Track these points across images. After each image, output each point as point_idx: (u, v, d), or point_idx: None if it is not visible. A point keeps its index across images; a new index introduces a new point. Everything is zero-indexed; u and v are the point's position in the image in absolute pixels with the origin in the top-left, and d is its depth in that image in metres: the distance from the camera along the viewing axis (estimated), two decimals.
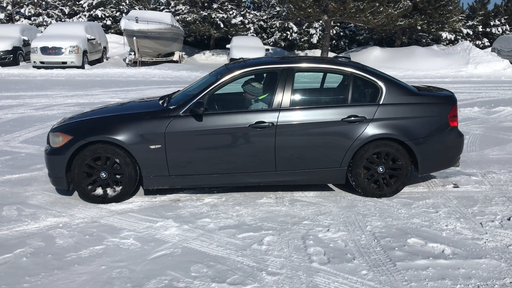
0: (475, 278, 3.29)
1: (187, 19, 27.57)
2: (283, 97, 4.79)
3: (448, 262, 3.51)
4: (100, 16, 30.02)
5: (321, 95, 5.57)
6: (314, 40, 29.02)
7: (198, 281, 3.25)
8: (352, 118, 4.79)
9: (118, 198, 4.71)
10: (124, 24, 19.99)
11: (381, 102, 4.89)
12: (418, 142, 4.87)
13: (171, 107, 4.74)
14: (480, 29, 32.72)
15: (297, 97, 4.95)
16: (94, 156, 4.59)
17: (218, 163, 4.72)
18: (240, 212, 4.50)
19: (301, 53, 28.92)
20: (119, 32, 26.00)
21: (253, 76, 5.10)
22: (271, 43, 29.59)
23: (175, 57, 23.55)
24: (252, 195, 4.96)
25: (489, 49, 28.00)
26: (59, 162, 4.58)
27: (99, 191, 4.69)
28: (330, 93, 5.49)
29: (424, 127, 4.91)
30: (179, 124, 4.61)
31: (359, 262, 3.51)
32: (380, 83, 4.96)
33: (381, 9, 19.00)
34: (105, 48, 23.35)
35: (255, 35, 28.88)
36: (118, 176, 4.66)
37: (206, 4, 28.43)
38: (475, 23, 32.56)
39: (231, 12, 28.31)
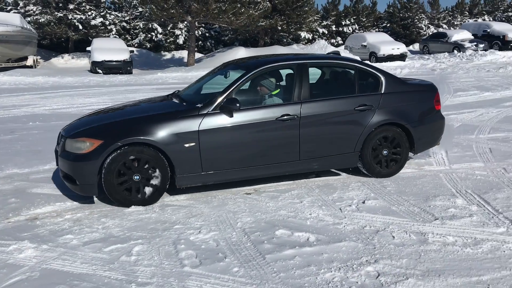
0: (337, 261, 3.52)
1: (40, 20, 25.53)
2: (302, 90, 5.13)
3: (313, 249, 3.71)
4: None
5: (334, 87, 5.79)
6: (180, 41, 28.90)
7: None
8: (363, 107, 5.27)
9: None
10: None
11: (382, 92, 5.46)
12: (415, 125, 5.49)
13: (199, 105, 4.82)
14: (334, 29, 35.52)
15: (314, 89, 5.38)
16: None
17: (248, 156, 4.92)
18: (107, 224, 4.26)
19: (168, 55, 28.57)
20: None
21: (265, 73, 5.29)
22: (136, 45, 28.76)
23: (29, 61, 21.65)
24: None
25: (343, 47, 30.50)
26: (91, 168, 4.45)
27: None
28: (341, 84, 5.78)
29: (417, 112, 5.57)
30: (211, 121, 4.74)
31: (231, 260, 3.54)
32: (380, 75, 5.55)
33: (242, 10, 19.57)
34: None
35: (118, 36, 27.79)
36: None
37: (61, 5, 26.56)
38: (328, 23, 35.26)
39: (89, 13, 26.87)
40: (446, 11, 41.78)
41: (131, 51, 22.26)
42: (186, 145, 4.63)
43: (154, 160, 4.59)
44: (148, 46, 29.18)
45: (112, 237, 3.98)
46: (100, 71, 20.39)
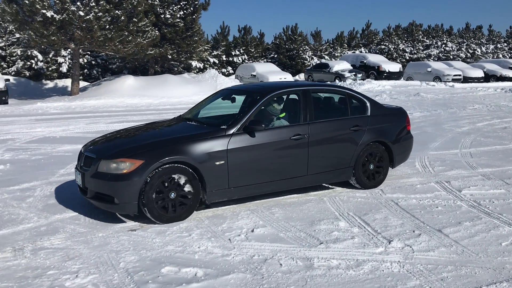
0: None
1: None
2: (308, 113, 5.72)
3: (200, 285, 3.56)
4: None
5: (331, 110, 6.34)
6: (64, 69, 27.37)
7: None
8: (356, 127, 5.99)
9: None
10: None
11: (369, 114, 6.23)
12: (393, 142, 6.29)
13: (223, 127, 5.22)
14: (224, 58, 36.21)
15: (317, 112, 5.85)
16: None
17: (267, 172, 5.39)
18: None
19: (50, 83, 26.85)
20: None
21: (275, 98, 5.77)
22: (13, 73, 26.64)
23: None
24: None
25: (233, 76, 31.17)
26: (133, 187, 4.66)
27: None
28: (337, 108, 6.34)
29: (395, 131, 6.39)
30: (237, 140, 5.18)
31: None
32: (366, 100, 6.35)
33: (130, 38, 19.10)
34: None
35: None
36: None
37: None
38: (219, 53, 35.87)
39: None
40: (328, 43, 44.88)
41: (7, 80, 20.50)
42: (217, 163, 5.04)
43: (188, 178, 4.91)
44: (27, 74, 27.17)
45: None
46: None
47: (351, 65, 31.44)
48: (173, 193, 4.88)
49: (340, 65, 30.26)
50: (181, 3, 25.20)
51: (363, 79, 28.40)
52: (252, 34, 39.93)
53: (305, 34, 41.46)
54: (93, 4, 18.21)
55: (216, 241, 4.44)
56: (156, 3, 23.72)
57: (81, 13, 17.74)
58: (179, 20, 24.84)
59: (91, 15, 17.92)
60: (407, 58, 43.95)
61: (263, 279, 3.64)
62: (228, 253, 4.16)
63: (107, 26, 18.57)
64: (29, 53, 26.66)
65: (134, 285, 3.56)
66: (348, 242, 4.36)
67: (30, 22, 17.80)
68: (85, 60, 29.12)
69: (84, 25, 18.03)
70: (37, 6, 17.32)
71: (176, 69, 29.57)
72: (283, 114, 5.89)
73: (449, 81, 28.88)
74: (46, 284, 3.58)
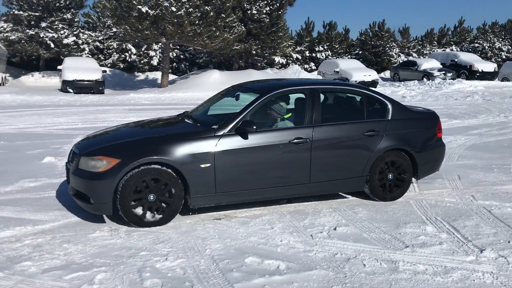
0: None
1: (11, 37, 25.05)
2: (314, 114, 5.20)
3: (283, 278, 3.61)
4: None
5: (343, 112, 5.90)
6: (155, 62, 28.79)
7: None
8: (371, 132, 5.39)
9: (166, 220, 4.69)
10: None
11: (389, 118, 5.59)
12: (418, 151, 5.62)
13: (214, 127, 4.85)
14: (307, 54, 36.06)
15: (325, 114, 5.36)
16: (144, 178, 4.49)
17: (261, 178, 4.96)
18: (69, 250, 4.07)
19: (141, 75, 28.38)
20: None
21: (278, 97, 5.30)
22: (109, 65, 28.49)
23: None
24: (84, 230, 4.54)
25: (316, 72, 30.96)
26: (107, 187, 4.42)
27: (149, 213, 4.61)
28: (350, 110, 5.89)
29: (421, 138, 5.72)
30: (227, 142, 4.77)
31: None
32: (387, 102, 5.69)
33: (217, 34, 19.67)
34: None
35: (90, 56, 27.51)
36: (166, 197, 4.63)
37: (33, 23, 26.18)
38: (302, 48, 35.79)
39: (62, 32, 26.53)
40: (416, 40, 43.07)
41: (104, 71, 22.01)
42: (202, 166, 4.67)
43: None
44: (122, 66, 28.94)
45: (74, 264, 3.79)
46: (71, 90, 20.05)
47: (441, 64, 29.94)
48: (152, 196, 4.57)
49: (428, 63, 28.94)
50: None
51: (453, 79, 26.94)
52: (337, 30, 39.38)
53: (393, 31, 40.17)
54: (185, 0, 18.94)
55: (298, 236, 4.47)
56: None
57: (173, 9, 18.55)
58: (265, 16, 25.14)
59: (182, 10, 18.67)
60: (504, 57, 40.98)
61: (345, 278, 3.61)
62: (310, 249, 4.17)
63: (197, 22, 19.24)
64: (124, 47, 28.36)
65: (219, 272, 3.69)
66: (436, 248, 4.19)
67: (127, 17, 18.93)
68: (174, 54, 30.39)
69: (175, 21, 18.83)
70: (134, 2, 18.37)
71: (259, 64, 29.96)
72: (289, 115, 5.41)
73: None
74: (139, 264, 3.82)
